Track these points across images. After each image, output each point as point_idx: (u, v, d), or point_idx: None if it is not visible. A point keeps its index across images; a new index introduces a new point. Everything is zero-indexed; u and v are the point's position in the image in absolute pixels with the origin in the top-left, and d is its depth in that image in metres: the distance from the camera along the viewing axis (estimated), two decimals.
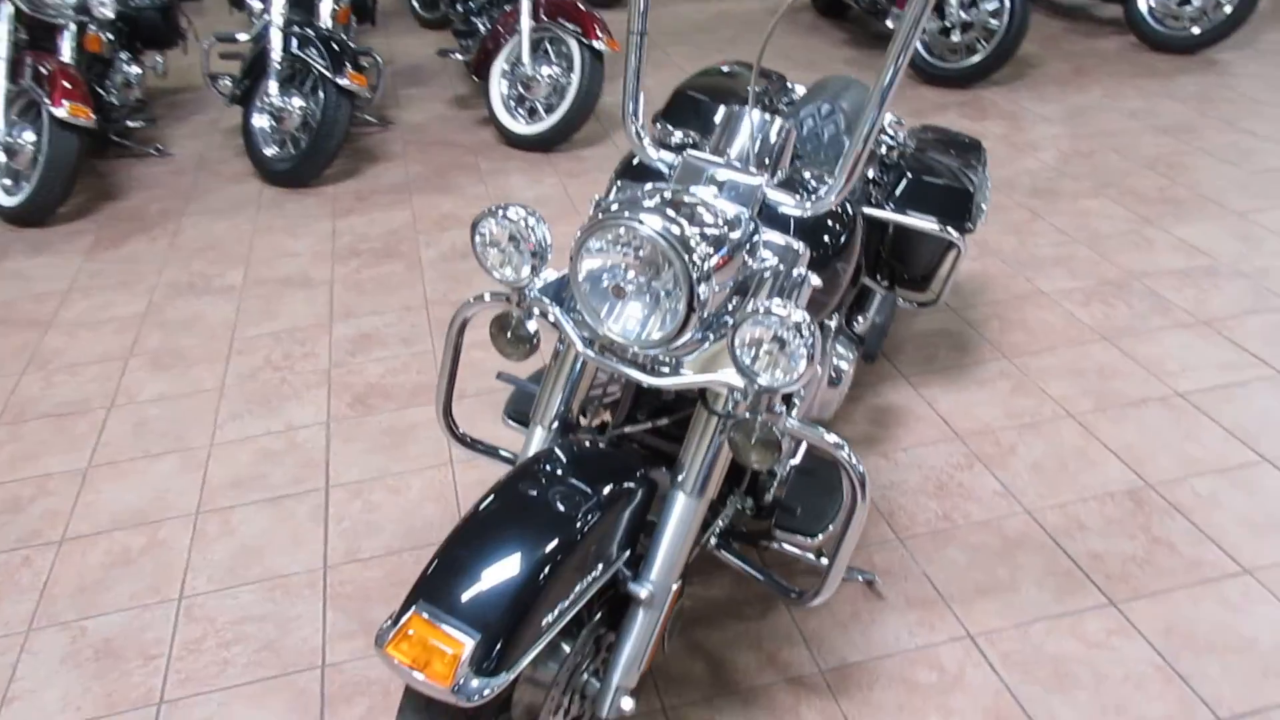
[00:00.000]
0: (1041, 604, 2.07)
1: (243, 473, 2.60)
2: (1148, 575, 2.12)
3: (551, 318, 1.53)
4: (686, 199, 1.43)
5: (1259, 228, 3.47)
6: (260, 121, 4.36)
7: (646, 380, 1.45)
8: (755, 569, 1.84)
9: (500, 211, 1.50)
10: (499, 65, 4.60)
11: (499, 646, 1.28)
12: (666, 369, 1.46)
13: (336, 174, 4.41)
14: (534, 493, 1.42)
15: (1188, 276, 3.21)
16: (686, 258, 1.33)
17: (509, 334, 1.58)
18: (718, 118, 2.49)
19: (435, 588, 1.31)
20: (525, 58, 4.47)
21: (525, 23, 4.43)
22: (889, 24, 5.28)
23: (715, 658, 1.98)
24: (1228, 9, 5.01)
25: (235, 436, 2.74)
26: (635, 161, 1.85)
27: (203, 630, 2.13)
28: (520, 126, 4.56)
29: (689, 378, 1.43)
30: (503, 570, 1.32)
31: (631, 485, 1.48)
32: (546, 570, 1.33)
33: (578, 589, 1.40)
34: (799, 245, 1.52)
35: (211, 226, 4.00)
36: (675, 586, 1.55)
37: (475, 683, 1.26)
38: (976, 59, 4.90)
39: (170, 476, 2.60)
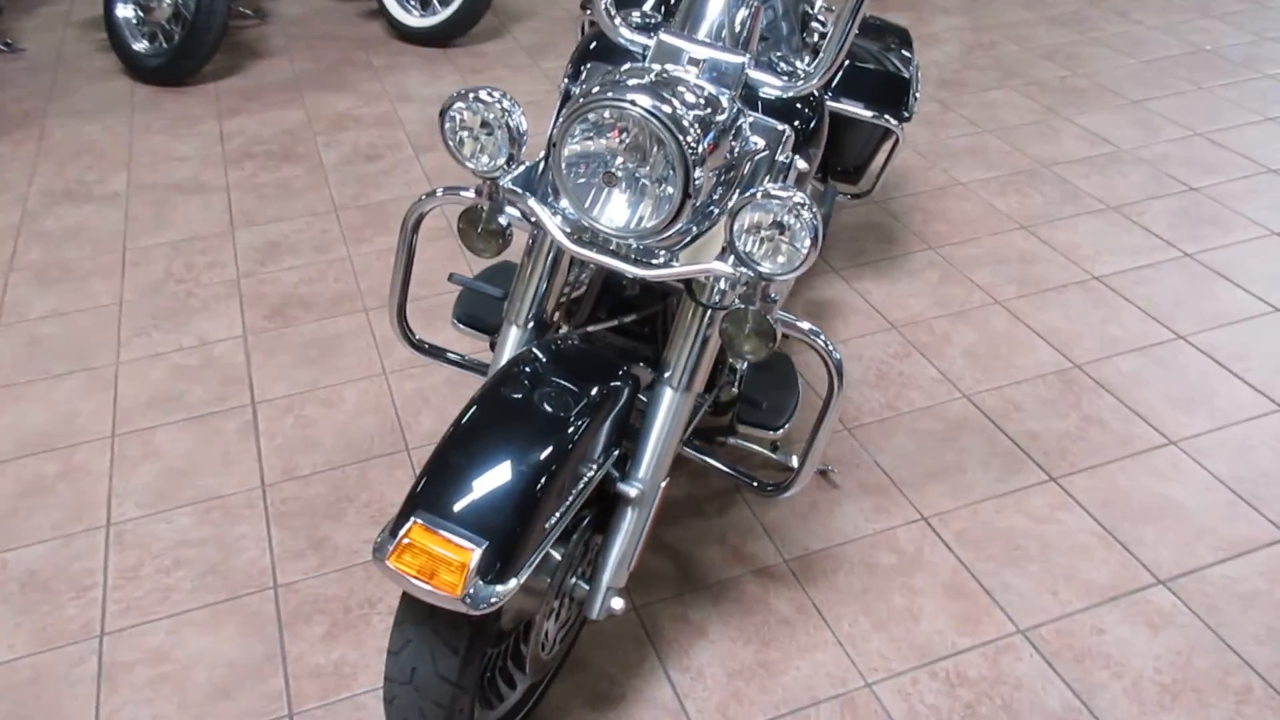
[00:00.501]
0: (987, 484, 2.14)
1: (157, 391, 2.44)
2: (1082, 451, 2.21)
3: (529, 211, 1.45)
4: (671, 79, 1.35)
5: (1156, 115, 3.59)
6: (125, 12, 4.00)
7: (634, 272, 1.39)
8: (725, 464, 1.84)
9: (471, 95, 1.40)
10: None
11: (504, 553, 1.23)
12: (656, 260, 1.41)
13: (216, 71, 4.10)
14: (522, 396, 1.36)
15: (1094, 164, 3.31)
16: (682, 140, 1.27)
17: (479, 229, 1.49)
18: (648, 5, 2.39)
19: (434, 497, 1.26)
20: None
21: None
22: None
23: (681, 555, 1.99)
24: None
25: (144, 353, 2.56)
26: (593, 45, 1.75)
27: (138, 557, 2.01)
28: (413, 19, 4.32)
29: (680, 268, 1.38)
30: (501, 476, 1.27)
31: (617, 384, 1.44)
32: (545, 474, 1.29)
33: (574, 491, 1.36)
34: (784, 127, 1.47)
35: (82, 129, 3.68)
36: (663, 484, 1.52)
37: (484, 590, 1.22)
38: None
39: (77, 398, 2.42)
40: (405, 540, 1.23)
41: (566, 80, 1.65)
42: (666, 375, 1.49)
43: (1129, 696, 1.72)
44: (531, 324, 1.57)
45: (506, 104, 1.39)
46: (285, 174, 3.36)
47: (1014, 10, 4.54)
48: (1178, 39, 4.19)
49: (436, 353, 1.87)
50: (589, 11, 2.46)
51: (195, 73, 4.00)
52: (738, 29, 1.53)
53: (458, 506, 1.25)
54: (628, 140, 1.33)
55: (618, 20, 1.53)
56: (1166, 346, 2.50)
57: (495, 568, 1.23)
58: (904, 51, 2.55)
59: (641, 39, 1.51)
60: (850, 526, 2.05)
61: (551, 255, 1.56)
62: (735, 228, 1.29)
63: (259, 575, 1.97)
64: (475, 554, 1.22)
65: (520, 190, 1.46)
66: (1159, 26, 4.31)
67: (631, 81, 1.32)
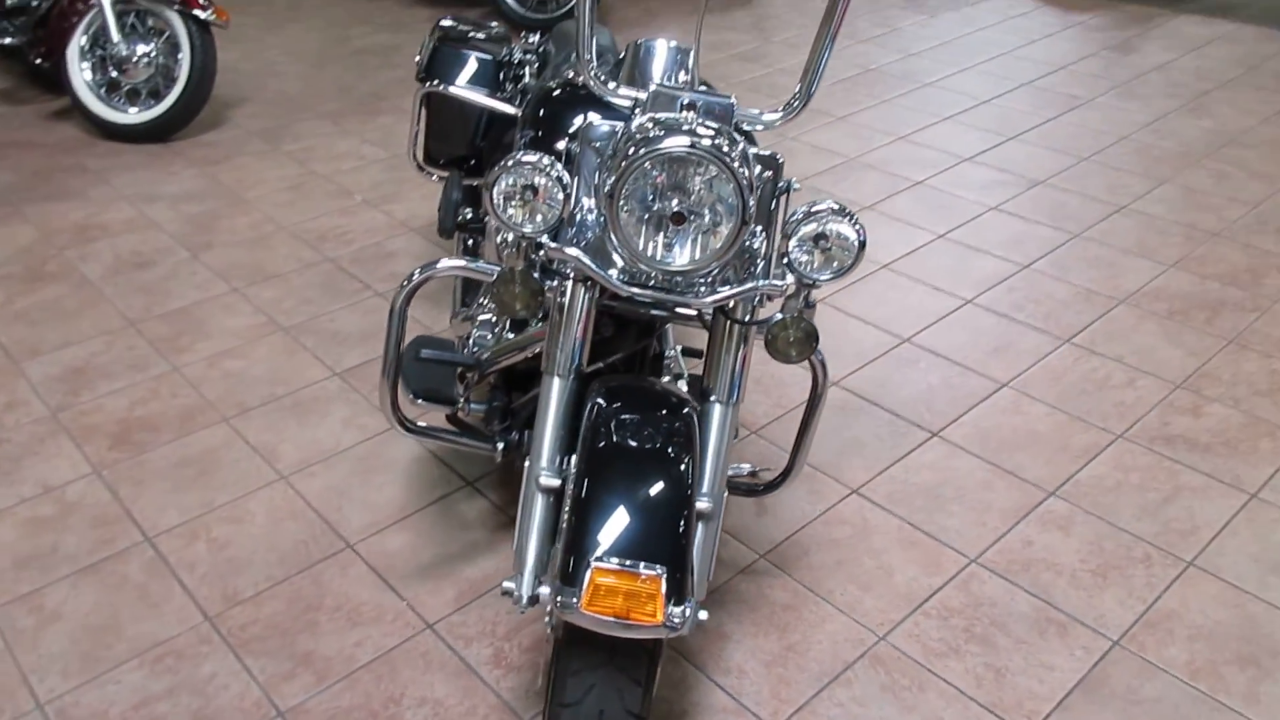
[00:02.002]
0: (888, 451, 2.44)
1: (21, 551, 2.14)
2: (947, 405, 2.58)
3: (576, 264, 1.51)
4: (698, 123, 1.49)
5: (862, 127, 4.18)
6: None
7: (699, 303, 1.51)
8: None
9: (513, 163, 1.45)
10: (75, 46, 3.97)
11: (679, 574, 1.31)
12: (703, 289, 1.53)
13: None
14: (624, 439, 1.43)
15: (835, 173, 3.80)
16: (738, 172, 1.42)
17: (517, 289, 1.53)
18: (570, 66, 2.49)
19: (602, 540, 1.30)
20: (114, 35, 3.91)
21: None
22: None
23: None
24: None
25: None
26: (541, 111, 1.83)
27: None
28: (125, 116, 4.00)
29: (741, 288, 1.51)
30: (649, 509, 1.35)
31: (686, 410, 1.54)
32: (683, 499, 1.38)
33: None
34: (778, 155, 1.65)
35: None
36: (725, 495, 1.64)
37: (675, 611, 1.28)
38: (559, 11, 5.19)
39: None
40: (592, 585, 1.27)
41: (567, 143, 1.68)
42: (714, 395, 1.61)
43: (1074, 586, 2.07)
44: (572, 375, 1.62)
45: (547, 161, 1.46)
46: (47, 295, 3.02)
47: (709, 53, 5.04)
48: (846, 63, 4.88)
49: (435, 434, 1.85)
50: (430, 84, 2.51)
51: None
52: (688, 67, 1.72)
53: (627, 542, 1.30)
54: (669, 182, 1.45)
55: (611, 84, 1.63)
56: (962, 311, 2.97)
57: (676, 589, 1.30)
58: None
59: (631, 93, 1.63)
60: (799, 513, 2.25)
61: (586, 305, 1.61)
62: (794, 243, 1.46)
63: (255, 709, 1.82)
64: (663, 580, 1.28)
65: (560, 246, 1.52)
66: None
67: (667, 129, 1.44)
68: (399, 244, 3.32)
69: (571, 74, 1.96)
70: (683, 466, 1.41)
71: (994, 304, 3.01)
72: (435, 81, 2.48)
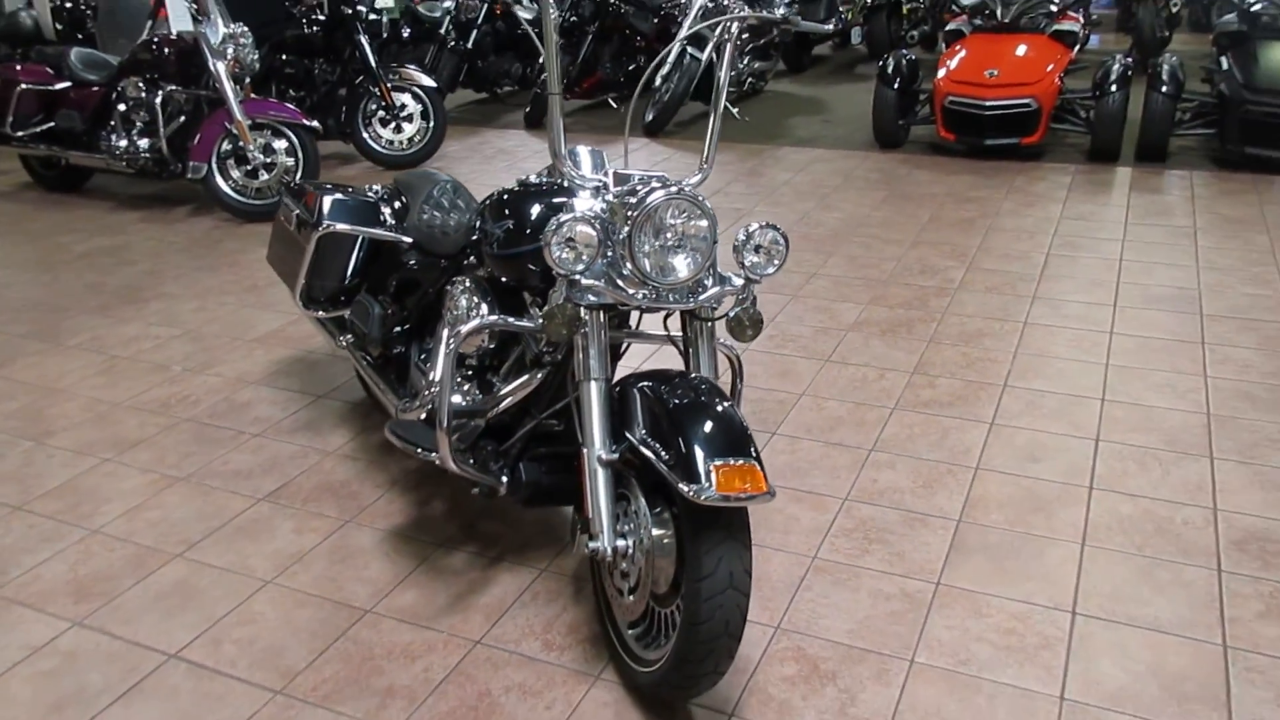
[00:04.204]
0: None
1: (46, 698, 2.19)
2: (770, 414, 3.34)
3: (605, 293, 2.07)
4: (664, 183, 2.14)
5: None
6: None
7: (693, 304, 2.12)
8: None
9: (556, 222, 2.00)
10: None
11: (760, 460, 1.90)
12: (690, 299, 2.15)
13: None
14: (681, 393, 1.99)
15: None
16: (707, 209, 2.09)
17: (562, 317, 2.06)
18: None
19: (712, 448, 1.86)
20: None
21: None
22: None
23: None
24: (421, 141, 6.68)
25: None
26: (507, 211, 2.38)
27: None
28: None
29: (715, 289, 2.15)
30: (727, 428, 1.92)
31: (697, 376, 2.13)
32: (739, 418, 1.97)
33: None
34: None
35: None
36: None
37: (769, 484, 1.87)
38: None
39: None
40: (718, 476, 1.82)
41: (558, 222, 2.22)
42: (701, 371, 2.22)
43: (916, 497, 2.86)
44: (604, 379, 2.14)
45: (580, 214, 2.02)
46: None
47: None
48: None
49: (474, 473, 2.30)
50: (325, 226, 2.92)
51: None
52: (604, 160, 2.38)
53: (727, 445, 1.87)
54: (656, 223, 2.08)
55: (574, 171, 2.24)
56: (743, 355, 3.79)
57: (762, 471, 1.88)
58: None
59: (596, 178, 2.24)
60: None
61: (603, 326, 2.14)
62: (745, 252, 2.14)
63: None
64: (756, 465, 1.86)
65: (590, 282, 2.07)
66: None
67: (655, 192, 2.07)
68: (248, 395, 3.55)
69: (516, 182, 2.50)
70: (728, 402, 2.00)
71: (763, 347, 3.87)
72: (329, 224, 2.90)
